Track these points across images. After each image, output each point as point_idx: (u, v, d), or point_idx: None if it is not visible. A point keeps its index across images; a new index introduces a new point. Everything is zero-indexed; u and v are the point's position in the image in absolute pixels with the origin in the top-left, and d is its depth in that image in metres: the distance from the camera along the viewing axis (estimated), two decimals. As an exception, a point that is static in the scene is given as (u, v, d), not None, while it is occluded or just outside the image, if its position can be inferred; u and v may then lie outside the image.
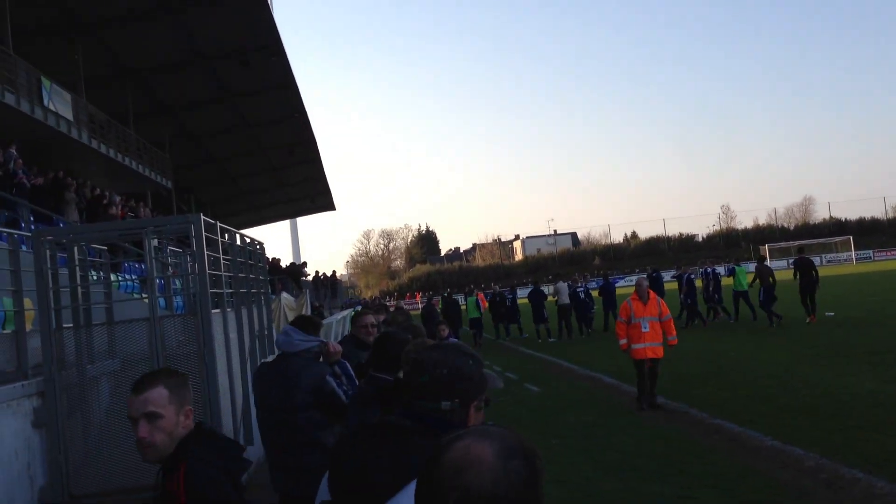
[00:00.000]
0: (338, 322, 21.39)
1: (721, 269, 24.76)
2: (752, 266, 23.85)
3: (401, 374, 4.05)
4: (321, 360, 4.85)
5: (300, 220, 61.37)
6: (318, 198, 47.12)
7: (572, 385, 14.05)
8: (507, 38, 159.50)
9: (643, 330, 10.95)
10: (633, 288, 11.45)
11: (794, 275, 21.26)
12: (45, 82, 20.08)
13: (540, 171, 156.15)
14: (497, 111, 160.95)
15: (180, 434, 2.57)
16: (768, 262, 23.23)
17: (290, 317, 17.83)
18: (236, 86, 28.12)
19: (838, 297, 27.03)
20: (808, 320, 20.05)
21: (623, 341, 11.21)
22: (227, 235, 9.35)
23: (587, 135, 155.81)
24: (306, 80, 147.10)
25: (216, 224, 8.23)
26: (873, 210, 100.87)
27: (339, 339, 16.84)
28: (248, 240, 10.41)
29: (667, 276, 32.48)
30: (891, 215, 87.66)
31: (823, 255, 76.76)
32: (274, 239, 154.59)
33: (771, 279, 21.03)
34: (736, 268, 22.97)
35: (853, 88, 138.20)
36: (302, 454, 4.55)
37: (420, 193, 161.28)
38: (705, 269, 24.50)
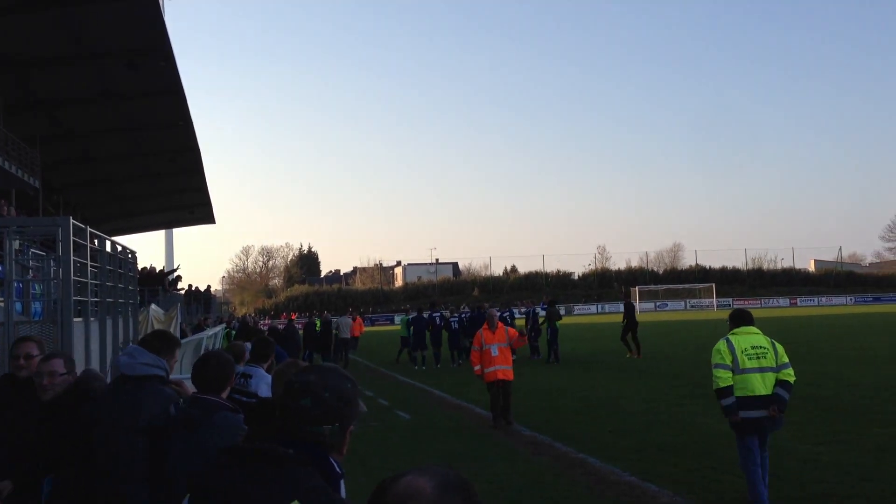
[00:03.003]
0: (209, 338, 20.73)
1: (537, 309, 26.42)
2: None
3: (224, 396, 3.95)
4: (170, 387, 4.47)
5: (176, 231, 59.34)
6: (197, 209, 45.66)
7: (443, 414, 14.11)
8: (394, 62, 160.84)
9: (493, 355, 12.29)
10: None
11: (626, 316, 23.54)
12: None
13: (425, 200, 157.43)
14: (384, 136, 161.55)
15: None
16: (557, 306, 25.35)
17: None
18: (120, 87, 26.99)
19: (702, 339, 28.39)
20: (628, 355, 22.78)
21: (477, 367, 12.53)
22: (96, 241, 8.95)
23: (473, 166, 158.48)
24: (194, 88, 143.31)
25: (86, 228, 7.87)
26: (735, 260, 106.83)
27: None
28: (119, 247, 9.99)
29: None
30: (750, 266, 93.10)
31: (688, 300, 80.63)
32: (147, 249, 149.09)
33: (557, 321, 23.80)
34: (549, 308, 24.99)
35: (729, 149, 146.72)
36: (126, 484, 4.10)
37: (304, 213, 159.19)
38: (529, 309, 25.89)
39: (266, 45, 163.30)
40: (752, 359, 7.23)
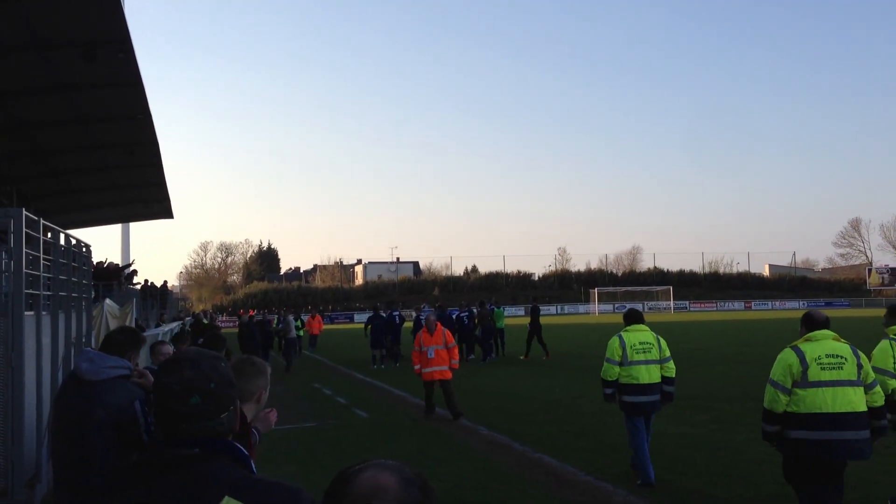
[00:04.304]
0: (164, 334, 20.44)
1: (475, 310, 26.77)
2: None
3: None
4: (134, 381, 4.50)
5: (133, 225, 58.37)
6: (155, 204, 44.83)
7: (401, 413, 14.09)
8: (357, 61, 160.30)
9: (429, 357, 13.16)
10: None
11: (531, 320, 24.62)
12: None
13: (386, 199, 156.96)
14: (346, 134, 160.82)
15: None
16: (489, 307, 25.62)
17: (113, 325, 16.91)
18: (77, 78, 26.41)
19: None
20: (544, 357, 23.81)
21: (417, 367, 13.42)
22: (50, 234, 8.77)
23: (435, 166, 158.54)
24: (154, 81, 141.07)
25: (39, 221, 7.70)
26: (692, 264, 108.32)
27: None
28: (73, 241, 9.81)
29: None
30: (707, 270, 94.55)
31: (646, 303, 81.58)
32: (103, 243, 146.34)
33: (490, 321, 24.49)
34: (495, 309, 25.38)
35: (688, 154, 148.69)
36: (92, 473, 4.18)
37: (265, 210, 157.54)
38: (471, 310, 26.15)
39: (227, 39, 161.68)
40: (640, 353, 8.48)
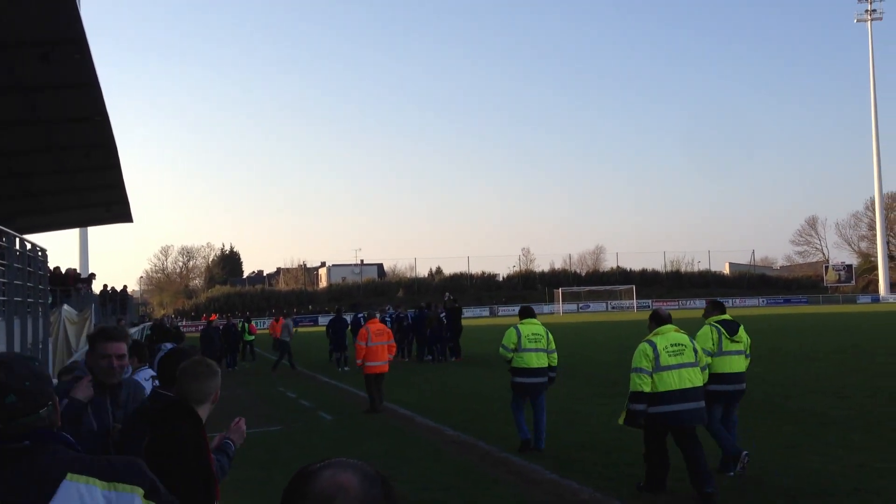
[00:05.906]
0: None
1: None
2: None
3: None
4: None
5: (92, 229, 57.36)
6: (113, 207, 44.06)
7: (367, 415, 14.03)
8: (317, 62, 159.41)
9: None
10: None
11: (451, 320, 24.93)
12: None
13: (350, 200, 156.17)
14: (307, 136, 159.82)
15: None
16: (433, 309, 25.81)
17: (71, 331, 16.61)
18: (32, 78, 25.93)
19: (620, 340, 28.89)
20: (453, 359, 24.40)
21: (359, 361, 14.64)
22: (4, 238, 8.59)
23: (398, 167, 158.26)
24: (112, 82, 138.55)
25: (-7, 224, 7.54)
26: (654, 263, 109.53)
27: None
28: (28, 245, 9.62)
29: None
30: (669, 268, 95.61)
31: (609, 302, 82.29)
32: (61, 247, 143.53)
33: (437, 322, 24.89)
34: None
35: (648, 154, 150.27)
36: None
37: (226, 213, 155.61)
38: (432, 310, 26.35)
39: (185, 42, 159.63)
40: (532, 342, 10.19)
